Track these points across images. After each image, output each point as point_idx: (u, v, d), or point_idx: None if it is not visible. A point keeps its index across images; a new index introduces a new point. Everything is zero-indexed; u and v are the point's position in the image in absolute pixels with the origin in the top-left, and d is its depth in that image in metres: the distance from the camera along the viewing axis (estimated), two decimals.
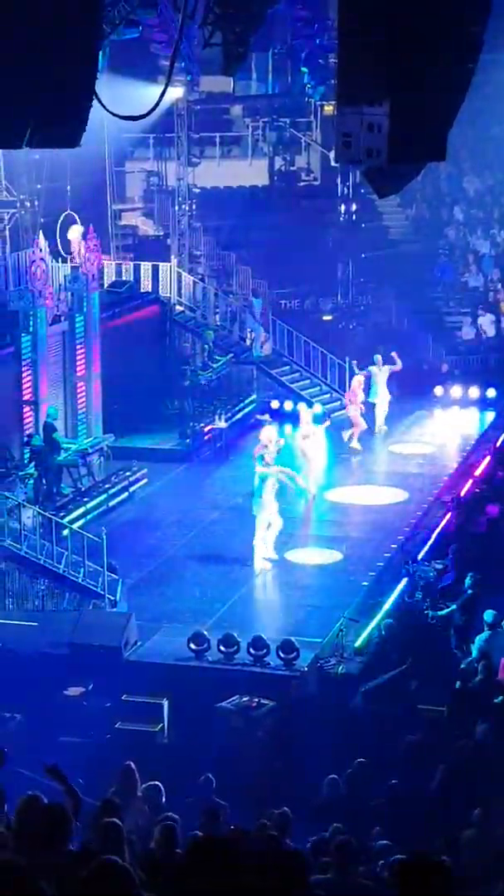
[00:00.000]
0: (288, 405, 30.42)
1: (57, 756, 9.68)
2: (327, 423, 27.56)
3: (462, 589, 19.13)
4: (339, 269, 35.30)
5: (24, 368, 24.77)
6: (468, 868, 9.88)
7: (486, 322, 35.09)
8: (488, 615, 17.60)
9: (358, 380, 28.93)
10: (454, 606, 18.87)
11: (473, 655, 17.28)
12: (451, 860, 9.37)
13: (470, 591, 18.96)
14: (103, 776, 12.39)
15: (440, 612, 18.98)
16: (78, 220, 29.01)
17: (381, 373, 29.53)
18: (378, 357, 29.89)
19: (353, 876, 9.11)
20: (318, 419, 27.08)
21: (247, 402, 31.30)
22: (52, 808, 7.81)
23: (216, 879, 6.64)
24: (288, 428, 27.43)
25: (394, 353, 29.69)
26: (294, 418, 27.65)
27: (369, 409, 29.17)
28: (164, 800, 11.96)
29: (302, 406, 27.49)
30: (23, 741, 16.24)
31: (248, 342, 31.62)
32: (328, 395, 31.05)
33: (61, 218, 29.19)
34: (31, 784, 8.81)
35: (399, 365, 29.58)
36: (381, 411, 29.62)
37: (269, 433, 23.20)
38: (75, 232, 28.54)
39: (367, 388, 29.25)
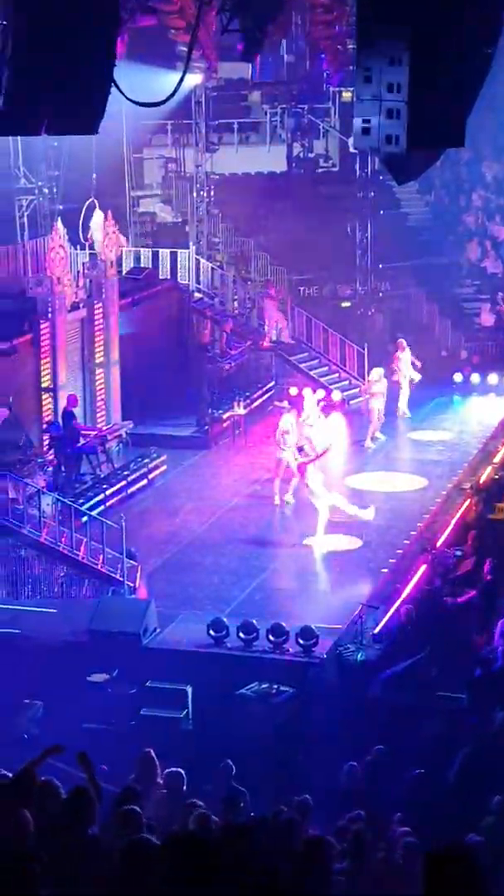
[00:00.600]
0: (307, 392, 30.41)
1: (79, 743, 9.70)
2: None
3: (481, 575, 19.11)
4: (358, 255, 35.20)
5: (42, 355, 24.79)
6: (489, 855, 9.86)
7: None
8: None
9: (377, 372, 28.87)
10: (474, 592, 18.85)
11: (495, 642, 17.25)
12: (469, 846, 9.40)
13: (489, 577, 18.94)
14: (128, 763, 12.42)
15: (460, 599, 18.94)
16: (98, 207, 28.95)
17: (403, 357, 29.51)
18: (402, 341, 29.90)
19: (369, 863, 9.11)
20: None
21: (265, 388, 31.28)
22: (76, 792, 7.85)
23: (237, 866, 6.67)
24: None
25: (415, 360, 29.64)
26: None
27: (393, 394, 29.10)
28: (184, 786, 11.98)
29: (307, 391, 27.39)
30: (44, 728, 16.35)
31: (265, 330, 31.54)
32: (347, 382, 30.99)
33: (85, 205, 29.13)
34: (52, 771, 8.83)
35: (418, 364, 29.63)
36: (404, 395, 29.60)
37: (288, 420, 23.21)
38: (98, 218, 28.47)
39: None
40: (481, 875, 5.59)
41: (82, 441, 24.26)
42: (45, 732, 15.95)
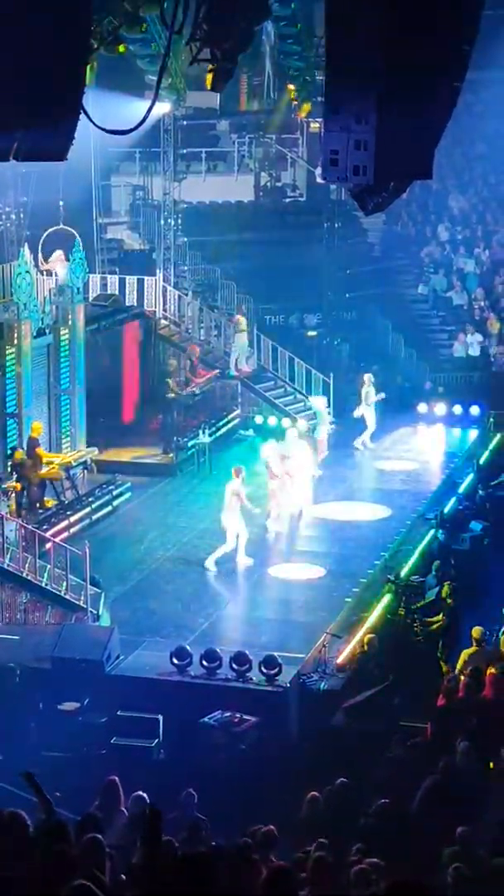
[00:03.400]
0: (272, 420, 30.48)
1: (41, 770, 9.64)
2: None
3: (442, 599, 19.19)
4: (324, 285, 35.34)
5: (7, 381, 24.73)
6: (451, 886, 9.85)
7: (474, 341, 35.14)
8: (476, 631, 17.63)
9: (368, 377, 29.09)
10: (442, 617, 18.91)
11: (457, 670, 17.30)
12: (433, 878, 9.39)
13: (450, 601, 19.02)
14: (93, 792, 12.36)
15: (430, 627, 18.97)
16: (77, 234, 28.86)
17: (370, 390, 29.73)
18: (368, 375, 30.11)
19: (329, 893, 9.08)
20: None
21: (230, 417, 31.32)
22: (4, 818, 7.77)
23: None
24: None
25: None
26: (275, 433, 27.84)
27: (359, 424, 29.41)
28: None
29: (287, 424, 27.56)
30: (6, 755, 16.22)
31: (232, 359, 31.61)
32: (312, 411, 31.09)
33: (46, 232, 29.15)
34: (12, 799, 8.77)
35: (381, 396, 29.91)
36: (369, 428, 29.78)
37: (271, 450, 23.64)
38: (57, 257, 28.47)
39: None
40: None
41: (46, 469, 24.17)
42: (7, 759, 15.84)
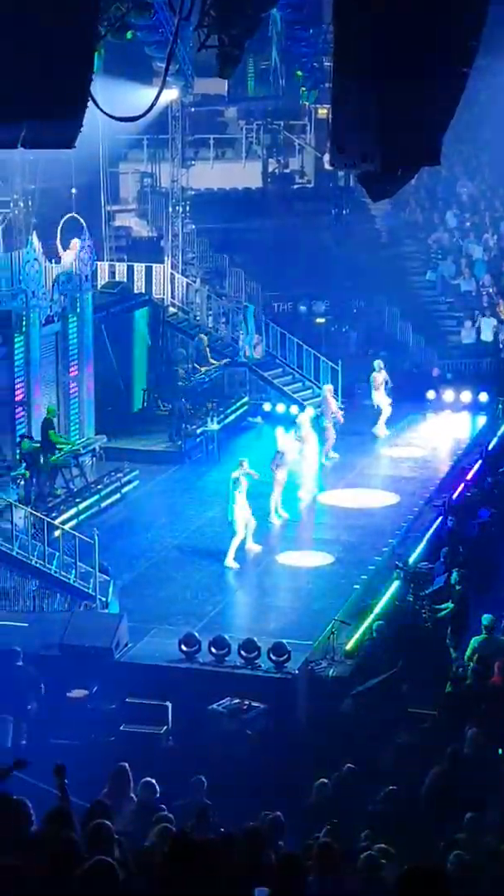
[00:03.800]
0: (280, 408, 30.47)
1: (49, 757, 9.67)
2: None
3: (451, 585, 19.18)
4: (332, 272, 35.28)
5: (16, 369, 24.74)
6: (460, 873, 9.86)
7: (488, 327, 35.02)
8: (486, 619, 17.62)
9: (378, 363, 29.21)
10: (451, 605, 18.90)
11: (466, 657, 17.30)
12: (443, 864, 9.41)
13: (459, 587, 19.01)
14: (103, 780, 12.38)
15: (439, 614, 18.97)
16: (83, 223, 28.77)
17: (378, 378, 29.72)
18: (378, 362, 30.08)
19: (336, 879, 9.09)
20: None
21: (239, 404, 31.32)
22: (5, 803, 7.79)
23: (196, 882, 6.64)
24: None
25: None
26: (284, 420, 27.88)
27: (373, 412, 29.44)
28: (157, 796, 11.95)
29: (295, 411, 27.60)
30: (14, 743, 16.27)
31: (240, 344, 31.59)
32: (320, 398, 31.05)
33: (64, 219, 29.07)
34: (22, 787, 8.80)
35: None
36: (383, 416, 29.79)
37: (286, 440, 23.63)
38: (74, 245, 28.35)
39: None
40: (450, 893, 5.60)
41: (57, 454, 24.20)
42: (15, 747, 15.88)
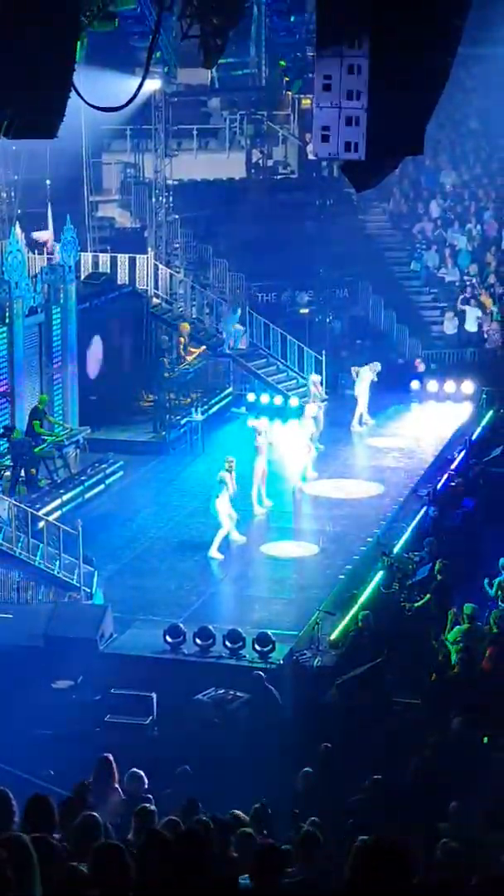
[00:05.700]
0: (264, 398, 30.48)
1: (33, 748, 9.67)
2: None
3: (433, 575, 19.23)
4: (316, 262, 35.27)
5: (0, 359, 24.68)
6: (443, 860, 9.89)
7: (471, 317, 35.03)
8: (467, 608, 17.66)
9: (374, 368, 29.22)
10: (429, 596, 18.93)
11: (449, 647, 17.34)
12: (427, 853, 9.43)
13: (439, 577, 19.05)
14: (87, 770, 12.37)
15: (416, 604, 19.01)
16: (49, 220, 28.64)
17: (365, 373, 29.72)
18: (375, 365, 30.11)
19: (318, 867, 9.10)
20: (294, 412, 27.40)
21: (223, 394, 31.31)
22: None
23: (191, 871, 6.66)
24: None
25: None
26: (268, 411, 27.94)
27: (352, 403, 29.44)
28: (145, 787, 11.95)
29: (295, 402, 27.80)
30: None
31: (223, 337, 31.54)
32: (304, 388, 31.06)
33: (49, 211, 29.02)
34: (4, 777, 8.79)
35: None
36: (361, 408, 29.77)
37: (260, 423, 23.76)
38: (44, 236, 28.32)
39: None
40: (408, 869, 5.57)
41: (41, 445, 24.16)
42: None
